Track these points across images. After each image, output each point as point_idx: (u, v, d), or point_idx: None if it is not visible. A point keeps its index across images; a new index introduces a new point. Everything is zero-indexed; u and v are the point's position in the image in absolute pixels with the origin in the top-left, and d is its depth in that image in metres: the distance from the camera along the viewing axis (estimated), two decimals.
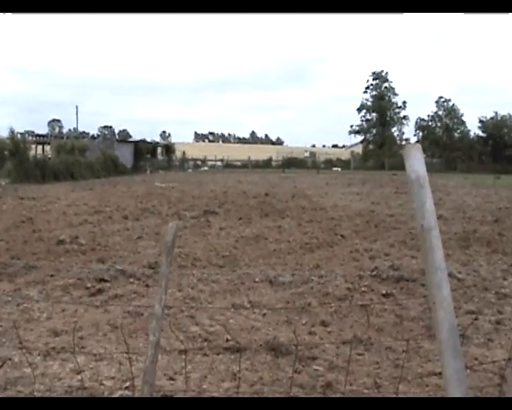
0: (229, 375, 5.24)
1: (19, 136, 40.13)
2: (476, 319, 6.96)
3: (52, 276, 9.08)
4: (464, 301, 7.69)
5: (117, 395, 4.73)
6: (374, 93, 73.48)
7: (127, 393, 4.77)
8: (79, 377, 5.11)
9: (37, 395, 4.74)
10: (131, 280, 8.83)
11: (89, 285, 8.45)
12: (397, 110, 73.95)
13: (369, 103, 73.88)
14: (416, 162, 2.39)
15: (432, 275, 2.21)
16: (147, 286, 8.53)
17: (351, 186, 33.54)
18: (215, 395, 4.75)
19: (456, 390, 2.08)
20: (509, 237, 13.18)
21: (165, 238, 2.54)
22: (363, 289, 8.43)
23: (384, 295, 8.10)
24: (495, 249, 11.61)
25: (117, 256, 10.78)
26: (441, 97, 71.91)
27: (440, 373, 5.09)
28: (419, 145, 2.48)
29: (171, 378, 5.09)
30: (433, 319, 2.13)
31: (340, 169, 65.54)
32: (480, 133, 68.40)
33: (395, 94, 73.53)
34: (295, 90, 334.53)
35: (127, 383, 4.96)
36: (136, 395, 4.71)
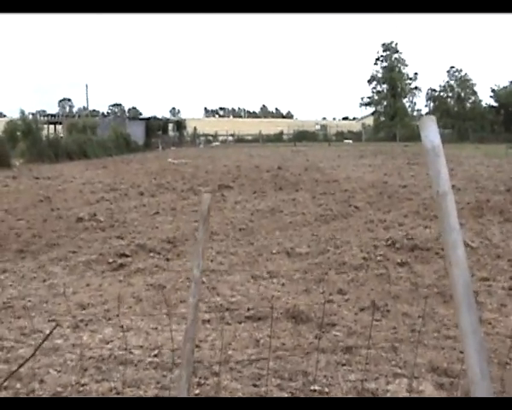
0: (253, 342, 5.45)
1: (30, 116, 40.35)
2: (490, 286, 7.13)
3: (74, 252, 9.31)
4: (477, 269, 7.85)
5: (146, 362, 4.95)
6: (384, 64, 72.94)
7: (156, 360, 4.99)
8: (109, 346, 5.34)
9: (69, 364, 4.97)
10: (152, 255, 9.05)
11: (110, 260, 8.67)
12: (408, 81, 73.31)
13: (379, 75, 73.31)
14: (431, 133, 2.53)
15: (447, 236, 2.36)
16: (167, 260, 8.76)
17: (363, 158, 33.54)
18: (239, 359, 4.96)
19: (471, 341, 2.25)
20: None
21: (200, 207, 2.71)
22: (378, 258, 8.59)
23: (399, 264, 8.26)
24: (507, 218, 11.72)
25: (136, 232, 11.00)
26: (453, 67, 71.29)
27: (455, 337, 5.30)
28: (434, 117, 2.62)
29: (197, 346, 5.29)
30: (449, 277, 2.29)
31: (351, 141, 65.40)
32: (493, 103, 67.86)
33: (405, 65, 72.89)
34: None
35: (155, 351, 5.18)
36: (166, 360, 4.95)
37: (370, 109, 76.88)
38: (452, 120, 65.69)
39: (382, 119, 73.22)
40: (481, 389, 2.29)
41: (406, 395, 4.24)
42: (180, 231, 10.98)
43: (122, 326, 5.92)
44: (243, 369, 4.81)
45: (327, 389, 4.37)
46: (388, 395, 4.26)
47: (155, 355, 5.11)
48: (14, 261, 8.80)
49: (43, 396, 4.32)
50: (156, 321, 6.05)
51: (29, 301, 6.85)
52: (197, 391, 4.40)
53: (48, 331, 5.75)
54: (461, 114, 66.62)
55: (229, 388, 4.43)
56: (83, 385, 4.54)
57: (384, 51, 73.50)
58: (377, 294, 6.92)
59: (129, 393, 4.35)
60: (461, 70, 71.53)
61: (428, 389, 4.37)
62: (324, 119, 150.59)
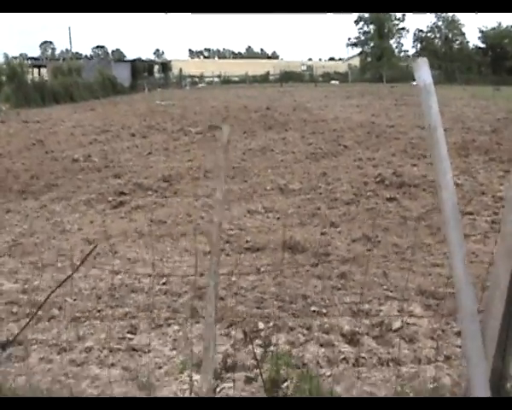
0: (254, 269, 5.82)
1: (14, 60, 39.81)
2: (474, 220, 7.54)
3: (74, 192, 9.59)
4: (463, 204, 8.21)
5: (156, 289, 5.31)
6: None
7: (165, 287, 5.35)
8: (119, 276, 5.69)
9: (84, 292, 5.32)
10: (149, 193, 9.36)
11: (110, 199, 8.97)
12: (395, 22, 72.53)
13: (366, 15, 72.48)
14: (424, 73, 2.83)
15: (438, 164, 2.67)
16: (165, 197, 9.06)
17: (350, 99, 33.64)
18: (243, 285, 5.33)
19: (457, 252, 2.58)
20: (506, 146, 13.60)
21: (221, 139, 2.99)
22: (368, 194, 8.95)
23: (388, 199, 8.63)
24: (492, 158, 12.05)
25: (131, 172, 11.27)
26: None
27: (442, 264, 5.70)
28: (426, 59, 2.90)
29: (201, 274, 5.65)
30: (439, 199, 2.61)
31: (338, 82, 65.08)
32: (480, 44, 67.46)
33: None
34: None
35: (163, 280, 5.54)
36: (174, 287, 5.31)
37: (357, 50, 76.26)
38: (439, 61, 65.26)
39: (369, 59, 72.69)
40: (465, 293, 2.65)
41: (397, 314, 4.64)
42: (175, 170, 11.25)
43: (129, 259, 6.28)
44: (247, 293, 5.19)
45: (324, 310, 4.76)
46: (381, 314, 4.65)
47: (164, 283, 5.47)
48: (17, 202, 9.08)
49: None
50: (161, 253, 6.39)
51: (37, 237, 7.16)
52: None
53: (60, 265, 6.10)
54: (448, 55, 66.20)
55: (235, 310, 4.80)
56: (99, 311, 4.89)
57: None
58: (368, 227, 7.29)
59: (143, 316, 4.72)
60: None
61: (417, 310, 4.77)
62: (310, 59, 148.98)
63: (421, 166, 11.00)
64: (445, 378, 3.63)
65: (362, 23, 72.87)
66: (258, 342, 4.13)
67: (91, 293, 5.29)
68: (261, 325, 4.45)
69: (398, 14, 72.30)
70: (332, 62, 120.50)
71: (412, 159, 12.06)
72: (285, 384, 3.19)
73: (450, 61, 64.60)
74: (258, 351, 3.89)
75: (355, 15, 73.43)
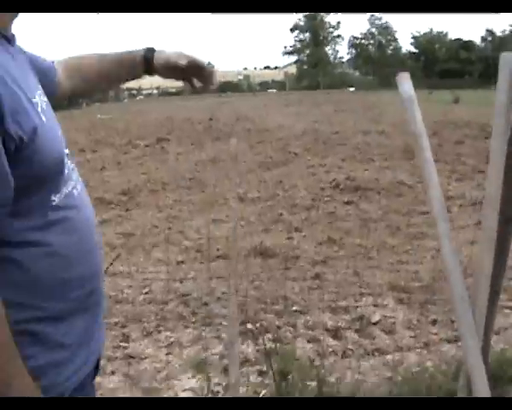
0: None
1: None
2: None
3: None
4: (417, 204, 8.68)
5: (140, 299, 5.49)
6: (306, 13, 73.48)
7: (149, 296, 5.54)
8: None
9: None
10: (112, 206, 9.47)
11: None
12: (330, 30, 74.15)
13: (301, 23, 73.78)
14: (407, 86, 3.15)
15: (424, 167, 2.96)
16: (128, 210, 9.20)
17: (289, 107, 34.31)
18: (224, 290, 5.56)
19: (447, 246, 2.89)
20: (447, 147, 14.27)
21: (230, 150, 3.22)
22: (326, 198, 9.33)
23: (346, 203, 9.02)
24: (436, 159, 12.35)
25: (89, 186, 11.24)
26: (373, 15, 72.61)
27: (407, 262, 6.09)
28: (408, 74, 3.24)
29: (180, 282, 5.85)
30: (427, 196, 2.92)
31: (275, 90, 66.15)
32: (413, 49, 69.89)
33: (328, 13, 73.68)
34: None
35: (145, 289, 5.72)
36: (157, 296, 5.50)
37: (293, 58, 77.51)
38: (374, 67, 67.31)
39: (305, 67, 74.01)
40: (456, 281, 2.97)
41: (373, 309, 4.97)
42: (132, 183, 11.36)
43: (105, 271, 6.41)
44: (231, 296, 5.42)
45: (306, 309, 5.05)
46: (358, 309, 4.97)
47: (146, 293, 5.65)
48: None
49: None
50: (135, 265, 6.56)
51: None
52: (194, 319, 4.98)
53: None
54: (382, 60, 68.23)
55: (220, 314, 5.03)
56: None
57: None
58: (331, 230, 7.63)
59: (132, 326, 4.89)
60: (381, 18, 73.02)
61: (391, 303, 5.12)
62: (245, 69, 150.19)
63: (372, 171, 11.47)
64: (428, 363, 3.96)
65: (297, 31, 74.20)
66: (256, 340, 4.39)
67: None
68: (249, 326, 4.70)
69: (333, 22, 74.07)
70: (268, 71, 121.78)
71: (362, 164, 12.53)
72: (290, 375, 3.45)
73: (385, 67, 66.58)
74: (261, 348, 4.15)
75: (290, 23, 74.64)
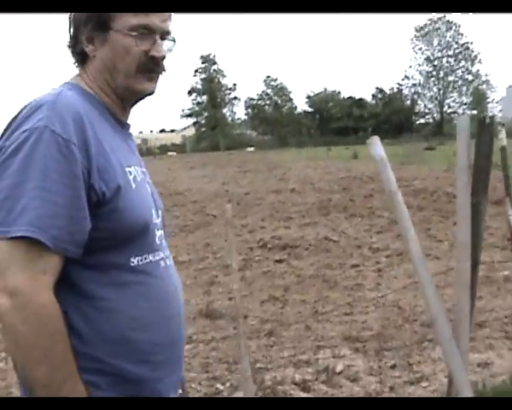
0: (186, 339, 6.15)
1: None
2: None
3: None
4: (346, 258, 9.11)
5: None
6: (203, 76, 74.84)
7: None
8: None
9: None
10: None
11: None
12: (227, 91, 75.84)
13: (199, 86, 75.08)
14: (378, 148, 3.48)
15: (401, 222, 3.24)
16: None
17: (194, 169, 34.50)
18: (185, 354, 5.65)
19: (429, 289, 3.19)
20: (359, 202, 14.95)
21: (226, 215, 3.41)
22: (257, 258, 9.59)
23: (277, 261, 9.31)
24: (352, 213, 13.25)
25: None
26: (269, 76, 75.16)
27: (352, 313, 6.43)
28: (377, 137, 3.57)
29: None
30: (408, 249, 3.20)
31: (175, 153, 66.24)
32: (308, 108, 72.84)
33: (224, 76, 75.42)
34: None
35: None
36: None
37: (191, 120, 78.37)
38: (271, 127, 69.41)
39: (203, 129, 75.03)
40: (441, 321, 3.27)
41: (334, 360, 5.23)
42: None
43: None
44: (191, 360, 5.53)
45: (270, 366, 5.23)
46: (319, 362, 5.22)
47: None
48: None
49: None
50: None
51: None
52: None
53: None
54: (279, 120, 70.46)
55: (187, 377, 5.12)
56: None
57: (203, 63, 75.43)
58: (270, 288, 7.88)
59: None
60: (276, 79, 75.66)
61: (347, 353, 5.40)
62: (141, 132, 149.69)
63: (295, 228, 11.87)
64: None
65: (195, 94, 75.35)
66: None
67: None
68: (220, 387, 4.83)
69: (230, 84, 75.83)
70: (165, 134, 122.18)
71: (282, 222, 12.92)
72: None
73: (281, 126, 68.71)
74: None
75: (188, 87, 75.67)
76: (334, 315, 6.51)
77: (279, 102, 73.38)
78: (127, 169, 1.60)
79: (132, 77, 1.64)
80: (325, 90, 73.04)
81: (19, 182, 1.40)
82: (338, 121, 67.97)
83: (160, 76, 1.73)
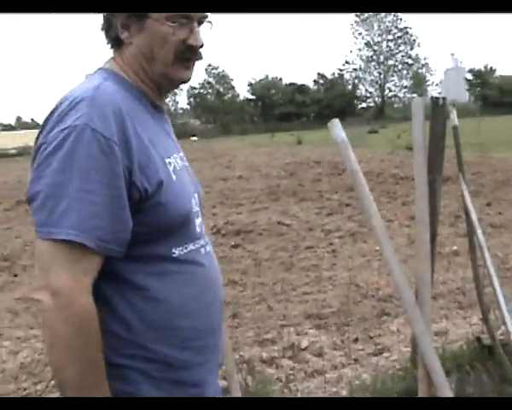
0: None
1: None
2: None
3: None
4: (300, 241, 9.35)
5: None
6: None
7: None
8: (23, 354, 5.79)
9: None
10: None
11: None
12: None
13: None
14: (339, 130, 3.67)
15: (363, 200, 3.44)
16: (15, 275, 9.01)
17: None
18: None
19: (394, 262, 3.40)
20: (308, 186, 15.28)
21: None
22: (212, 244, 9.69)
23: (233, 247, 9.47)
24: (302, 198, 13.52)
25: None
26: (210, 65, 74.99)
27: (311, 292, 6.65)
28: (337, 120, 3.75)
29: None
30: (370, 225, 3.38)
31: None
32: (250, 96, 73.12)
33: None
34: None
35: None
36: None
37: None
38: (214, 115, 69.42)
39: None
40: (405, 290, 3.49)
41: (298, 337, 5.44)
42: (8, 248, 11.05)
43: (19, 337, 6.35)
44: None
45: (236, 346, 5.39)
46: (284, 339, 5.41)
47: None
48: None
49: None
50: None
51: None
52: None
53: None
54: (221, 108, 70.52)
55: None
56: (25, 389, 5.02)
57: None
58: (228, 273, 8.01)
59: None
60: (218, 67, 75.59)
61: (310, 331, 5.62)
62: None
63: (246, 214, 12.05)
64: (364, 375, 4.48)
65: None
66: None
67: (5, 375, 5.37)
68: None
69: None
70: None
71: (232, 208, 13.08)
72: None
73: (224, 114, 68.75)
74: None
75: None
76: (293, 295, 6.73)
77: (221, 90, 73.44)
78: (167, 160, 1.63)
79: (170, 65, 1.65)
80: (267, 77, 73.48)
81: (60, 182, 1.42)
82: (280, 108, 68.47)
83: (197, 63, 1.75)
